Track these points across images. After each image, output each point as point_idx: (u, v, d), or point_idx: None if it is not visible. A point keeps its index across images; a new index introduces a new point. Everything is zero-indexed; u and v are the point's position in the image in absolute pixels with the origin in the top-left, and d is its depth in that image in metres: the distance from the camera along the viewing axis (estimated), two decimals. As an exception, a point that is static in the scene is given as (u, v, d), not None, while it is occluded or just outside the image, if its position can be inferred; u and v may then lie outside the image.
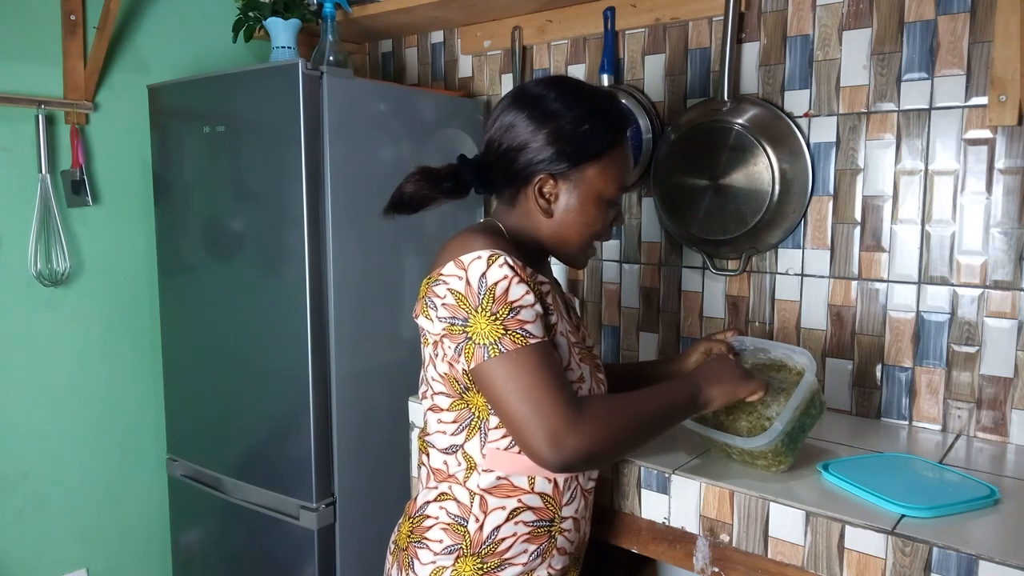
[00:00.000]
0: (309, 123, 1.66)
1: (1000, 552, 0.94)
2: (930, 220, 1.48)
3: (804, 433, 1.20)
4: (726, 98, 1.65)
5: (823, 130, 1.58)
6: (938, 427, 1.49)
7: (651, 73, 1.83)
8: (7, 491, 1.97)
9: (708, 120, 1.66)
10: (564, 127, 1.03)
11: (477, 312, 0.95)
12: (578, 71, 1.96)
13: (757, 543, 1.13)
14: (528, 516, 1.05)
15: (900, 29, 1.48)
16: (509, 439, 1.03)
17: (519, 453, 1.02)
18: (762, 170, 1.59)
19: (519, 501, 1.04)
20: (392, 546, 1.14)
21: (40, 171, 1.93)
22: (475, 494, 1.04)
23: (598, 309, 1.97)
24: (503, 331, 0.94)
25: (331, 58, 1.87)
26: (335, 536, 1.78)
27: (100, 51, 1.99)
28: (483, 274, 0.96)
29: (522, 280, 0.97)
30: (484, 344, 0.94)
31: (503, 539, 1.04)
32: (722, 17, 1.66)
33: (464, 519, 1.04)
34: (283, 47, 1.89)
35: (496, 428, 1.02)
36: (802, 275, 1.64)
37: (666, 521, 1.23)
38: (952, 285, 1.46)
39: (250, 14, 1.95)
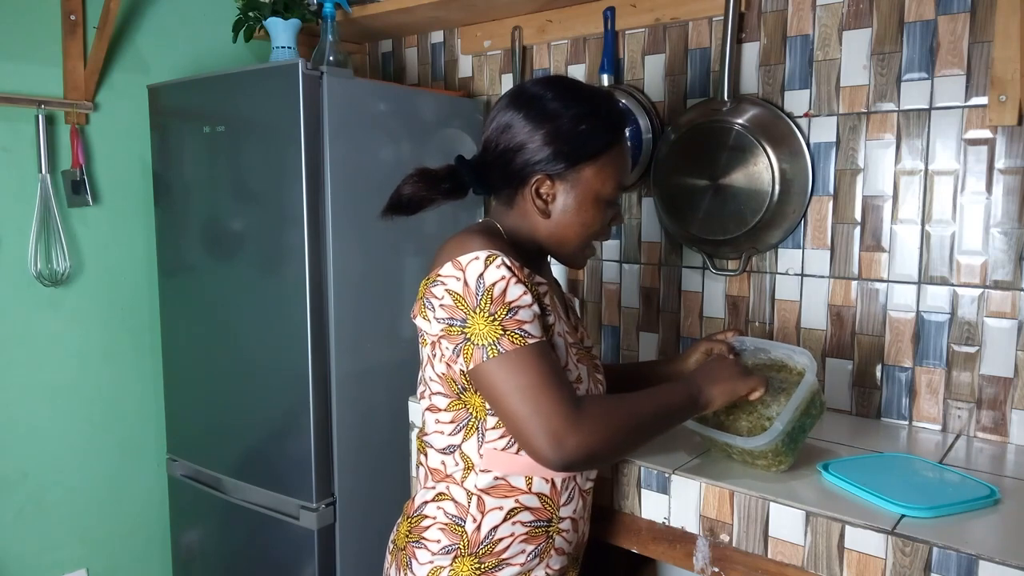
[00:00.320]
0: (309, 123, 1.66)
1: (1000, 552, 0.94)
2: (930, 220, 1.48)
3: (804, 433, 1.20)
4: (726, 98, 1.65)
5: (823, 130, 1.58)
6: (938, 427, 1.49)
7: (651, 73, 1.83)
8: (7, 491, 1.97)
9: (708, 120, 1.66)
10: (561, 127, 1.03)
11: (475, 313, 0.95)
12: (578, 71, 1.96)
13: (757, 543, 1.13)
14: (526, 516, 1.05)
15: (900, 29, 1.48)
16: (507, 439, 1.03)
17: (517, 453, 1.02)
18: (762, 170, 1.59)
19: (516, 501, 1.04)
20: (391, 546, 1.14)
21: (40, 171, 1.93)
22: (472, 494, 1.04)
23: (598, 309, 1.97)
24: (501, 331, 0.94)
25: (331, 58, 1.87)
26: (335, 536, 1.78)
27: (100, 51, 1.99)
28: (480, 275, 0.96)
29: (519, 280, 0.97)
30: (483, 345, 0.94)
31: (500, 539, 1.04)
32: (722, 17, 1.66)
33: (462, 519, 1.04)
34: (283, 47, 1.89)
35: (494, 428, 1.02)
36: (802, 275, 1.64)
37: (666, 521, 1.23)
38: (952, 285, 1.46)
39: (250, 14, 1.95)
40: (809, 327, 1.63)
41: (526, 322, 0.96)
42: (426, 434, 1.10)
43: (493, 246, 0.99)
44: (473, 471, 1.04)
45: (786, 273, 1.66)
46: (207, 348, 1.96)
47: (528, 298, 0.98)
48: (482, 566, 1.03)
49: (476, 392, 1.01)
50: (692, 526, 1.20)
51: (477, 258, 0.97)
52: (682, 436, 1.35)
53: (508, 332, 0.94)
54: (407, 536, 1.09)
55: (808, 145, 1.60)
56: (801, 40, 1.60)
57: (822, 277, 1.61)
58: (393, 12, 2.04)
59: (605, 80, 1.85)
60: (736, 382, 1.14)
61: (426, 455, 1.10)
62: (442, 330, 0.98)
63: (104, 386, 2.13)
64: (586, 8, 1.90)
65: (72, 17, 1.97)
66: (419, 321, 1.03)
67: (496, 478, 1.04)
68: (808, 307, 1.63)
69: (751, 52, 1.67)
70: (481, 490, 1.04)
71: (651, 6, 1.79)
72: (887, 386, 1.54)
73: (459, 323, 0.96)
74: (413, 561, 1.06)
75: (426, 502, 1.08)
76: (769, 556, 1.12)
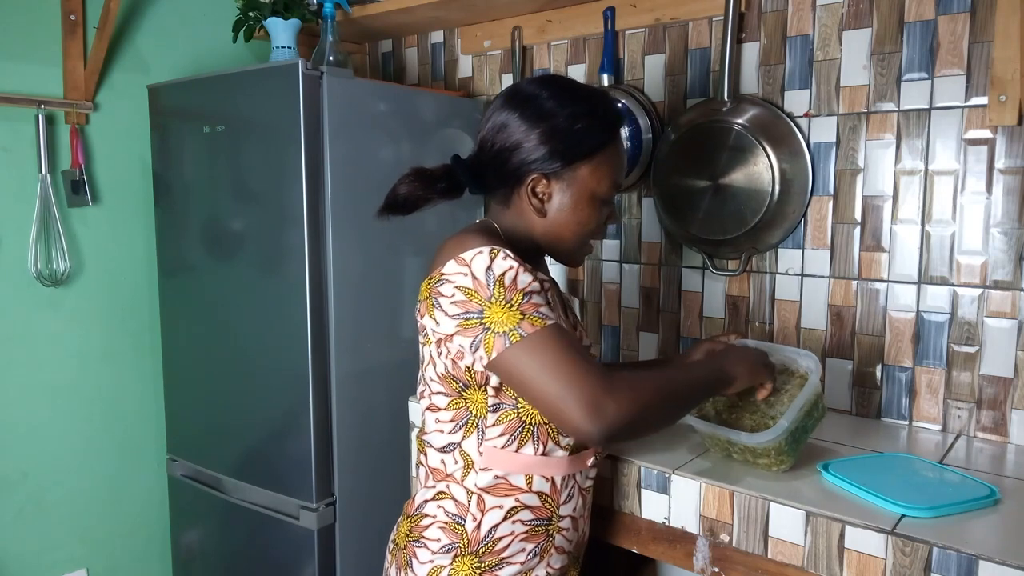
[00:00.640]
0: (309, 123, 1.66)
1: (1000, 552, 0.94)
2: (930, 220, 1.48)
3: (806, 435, 1.20)
4: (726, 98, 1.65)
5: (823, 130, 1.58)
6: (938, 427, 1.49)
7: (651, 73, 1.83)
8: (7, 491, 1.97)
9: (708, 120, 1.66)
10: (557, 126, 1.04)
11: (491, 303, 0.95)
12: (578, 71, 1.96)
13: (757, 543, 1.13)
14: (526, 515, 1.05)
15: (900, 29, 1.48)
16: (506, 437, 1.03)
17: (516, 451, 1.03)
18: (762, 170, 1.59)
19: (517, 500, 1.04)
20: (391, 545, 1.14)
21: (40, 171, 1.93)
22: (473, 493, 1.04)
23: (598, 309, 1.97)
24: (520, 316, 0.95)
25: (331, 58, 1.87)
26: (335, 536, 1.78)
27: (100, 51, 1.99)
28: (488, 267, 0.97)
29: (526, 270, 0.99)
30: (503, 332, 0.94)
31: (500, 538, 1.04)
32: (722, 17, 1.66)
33: (462, 518, 1.04)
34: (283, 47, 1.89)
35: (494, 426, 1.03)
36: (802, 275, 1.64)
37: (666, 521, 1.23)
38: (952, 285, 1.46)
39: (250, 14, 1.95)
40: (809, 327, 1.63)
41: (541, 305, 0.97)
42: (426, 433, 1.10)
43: (493, 243, 1.00)
44: (473, 469, 1.04)
45: (786, 273, 1.66)
46: (207, 348, 1.96)
47: (537, 285, 0.99)
48: (482, 565, 1.03)
49: (498, 386, 1.00)
50: (692, 526, 1.20)
51: (481, 252, 0.98)
52: (682, 436, 1.36)
53: (527, 316, 0.95)
54: (407, 535, 1.09)
55: (808, 145, 1.60)
56: (801, 40, 1.60)
57: (822, 277, 1.61)
58: (393, 12, 2.04)
59: (605, 80, 1.85)
60: (759, 367, 1.16)
61: (426, 455, 1.10)
62: (457, 326, 0.98)
63: (104, 386, 2.13)
64: (586, 8, 1.90)
65: (72, 17, 1.97)
66: (427, 320, 1.02)
67: (496, 477, 1.04)
68: (808, 307, 1.63)
69: (751, 52, 1.67)
70: (481, 489, 1.04)
71: (651, 6, 1.79)
72: (887, 386, 1.54)
73: (476, 315, 0.96)
74: (414, 560, 1.07)
75: (426, 501, 1.08)
76: (769, 556, 1.12)
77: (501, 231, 1.08)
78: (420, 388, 1.10)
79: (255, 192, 1.79)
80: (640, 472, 1.25)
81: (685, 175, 1.71)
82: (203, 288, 1.96)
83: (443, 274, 0.99)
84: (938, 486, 1.16)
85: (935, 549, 0.97)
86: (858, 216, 1.55)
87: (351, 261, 1.76)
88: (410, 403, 1.57)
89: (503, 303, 0.95)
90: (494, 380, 1.01)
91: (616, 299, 1.94)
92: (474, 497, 1.04)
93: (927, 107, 1.46)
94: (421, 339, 1.08)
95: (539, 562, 1.07)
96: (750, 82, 1.67)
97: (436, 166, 1.09)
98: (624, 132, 1.78)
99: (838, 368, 1.60)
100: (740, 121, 1.61)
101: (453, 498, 1.05)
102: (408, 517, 1.11)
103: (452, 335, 0.99)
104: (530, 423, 1.03)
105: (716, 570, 1.18)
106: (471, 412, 1.03)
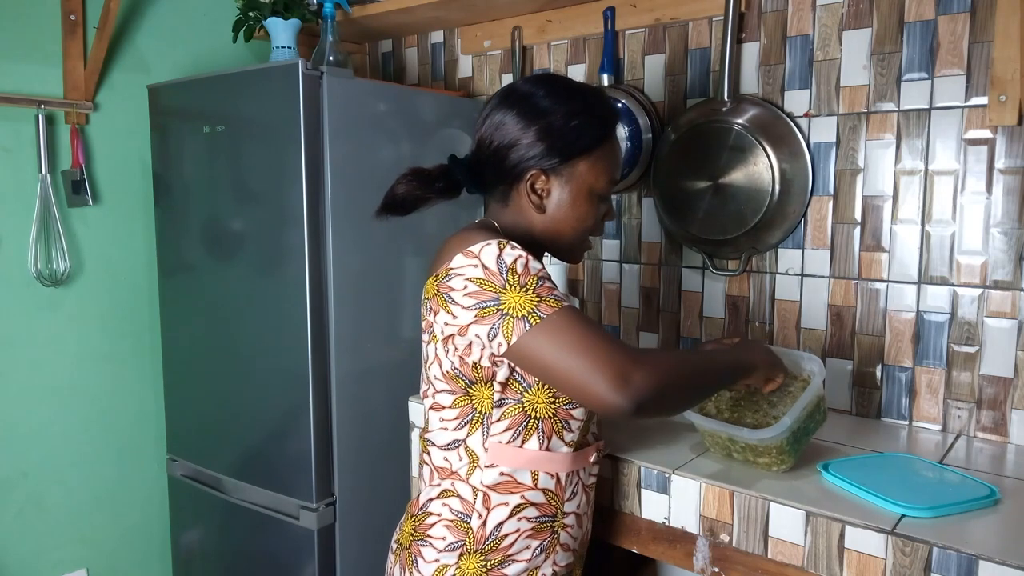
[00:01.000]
0: (309, 123, 1.66)
1: (1000, 552, 0.94)
2: (930, 220, 1.48)
3: (807, 436, 1.21)
4: (726, 98, 1.65)
5: (823, 130, 1.58)
6: (938, 427, 1.49)
7: (651, 73, 1.83)
8: (7, 491, 1.97)
9: (708, 120, 1.66)
10: (554, 123, 1.05)
11: (506, 289, 0.96)
12: (578, 71, 1.96)
13: (757, 543, 1.13)
14: (531, 512, 1.05)
15: (900, 29, 1.48)
16: (511, 432, 1.03)
17: (521, 446, 1.03)
18: (762, 170, 1.59)
19: (522, 497, 1.04)
20: (395, 545, 1.14)
21: (40, 171, 1.93)
22: (478, 491, 1.04)
23: (598, 309, 1.97)
24: (538, 299, 0.95)
25: (331, 58, 1.87)
26: (335, 536, 1.78)
27: (100, 51, 1.99)
28: (499, 255, 0.97)
29: (535, 259, 1.00)
30: (522, 316, 0.94)
31: (506, 535, 1.04)
32: (722, 17, 1.66)
33: (467, 515, 1.05)
34: (283, 47, 1.89)
35: (498, 421, 1.03)
36: (802, 275, 1.64)
37: (666, 521, 1.23)
38: (952, 285, 1.46)
39: (250, 14, 1.95)
40: (809, 327, 1.63)
41: (555, 289, 0.98)
42: (429, 431, 1.10)
43: (498, 238, 1.01)
44: (478, 467, 1.04)
45: (786, 273, 1.66)
46: (207, 348, 1.96)
47: (547, 272, 1.00)
48: (488, 563, 1.04)
49: (504, 380, 1.01)
50: (692, 526, 1.20)
51: (489, 244, 0.98)
52: (682, 436, 1.36)
53: (544, 299, 0.96)
54: (412, 534, 1.09)
55: (808, 145, 1.60)
56: (801, 40, 1.60)
57: (822, 277, 1.61)
58: (393, 12, 2.04)
59: (605, 80, 1.85)
60: (776, 359, 1.17)
61: (429, 453, 1.10)
62: (475, 316, 0.97)
63: (104, 386, 2.13)
64: (586, 8, 1.90)
65: (72, 17, 1.97)
66: (439, 317, 1.02)
67: (502, 474, 1.04)
68: (808, 307, 1.63)
69: (751, 52, 1.67)
70: (487, 486, 1.04)
71: (651, 6, 1.79)
72: (887, 386, 1.54)
73: (492, 303, 0.96)
74: (419, 559, 1.06)
75: (431, 499, 1.08)
76: (769, 556, 1.12)
77: (501, 229, 1.09)
78: (424, 387, 1.10)
79: (255, 192, 1.79)
80: (640, 472, 1.25)
81: (685, 175, 1.71)
82: (203, 288, 1.96)
83: (451, 269, 1.00)
84: (938, 486, 1.16)
85: (935, 549, 0.97)
86: (858, 216, 1.55)
87: (351, 261, 1.76)
88: (410, 403, 1.57)
89: (519, 288, 0.96)
90: (500, 375, 1.01)
91: (616, 299, 1.94)
92: (480, 494, 1.04)
93: (927, 107, 1.46)
94: (426, 337, 1.08)
95: (545, 559, 1.07)
96: (750, 82, 1.67)
97: (433, 166, 1.09)
98: (624, 132, 1.79)
99: (838, 368, 1.60)
100: (740, 121, 1.61)
101: (459, 496, 1.05)
102: (412, 516, 1.11)
103: (468, 325, 0.98)
104: (535, 417, 1.03)
105: (716, 570, 1.18)
106: (476, 409, 1.04)
